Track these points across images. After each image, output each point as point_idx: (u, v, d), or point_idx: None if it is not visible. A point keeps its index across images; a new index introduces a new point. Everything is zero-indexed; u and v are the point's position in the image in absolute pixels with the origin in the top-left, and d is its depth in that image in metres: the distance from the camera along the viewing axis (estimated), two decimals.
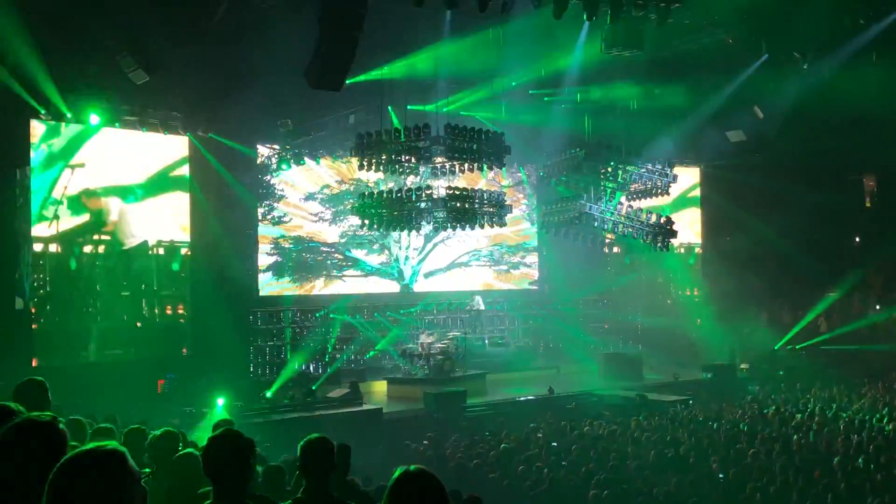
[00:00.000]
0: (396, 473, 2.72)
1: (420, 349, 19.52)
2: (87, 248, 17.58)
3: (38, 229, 16.66)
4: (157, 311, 18.64)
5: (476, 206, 17.32)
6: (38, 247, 16.71)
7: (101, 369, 16.19)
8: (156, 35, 15.34)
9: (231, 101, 17.32)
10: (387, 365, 20.97)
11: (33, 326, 16.31)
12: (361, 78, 18.21)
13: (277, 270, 21.17)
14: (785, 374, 20.88)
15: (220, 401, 15.23)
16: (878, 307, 24.67)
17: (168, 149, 18.58)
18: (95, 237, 17.65)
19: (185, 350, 17.56)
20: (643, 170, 18.92)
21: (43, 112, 16.32)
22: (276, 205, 21.12)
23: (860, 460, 10.80)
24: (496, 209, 17.70)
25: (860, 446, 11.80)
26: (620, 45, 17.07)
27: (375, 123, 17.86)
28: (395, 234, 21.26)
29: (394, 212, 17.26)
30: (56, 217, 16.81)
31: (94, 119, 17.02)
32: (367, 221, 17.62)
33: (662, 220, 19.05)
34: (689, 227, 26.55)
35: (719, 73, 20.52)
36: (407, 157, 16.92)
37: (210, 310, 18.02)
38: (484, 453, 11.94)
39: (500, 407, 17.42)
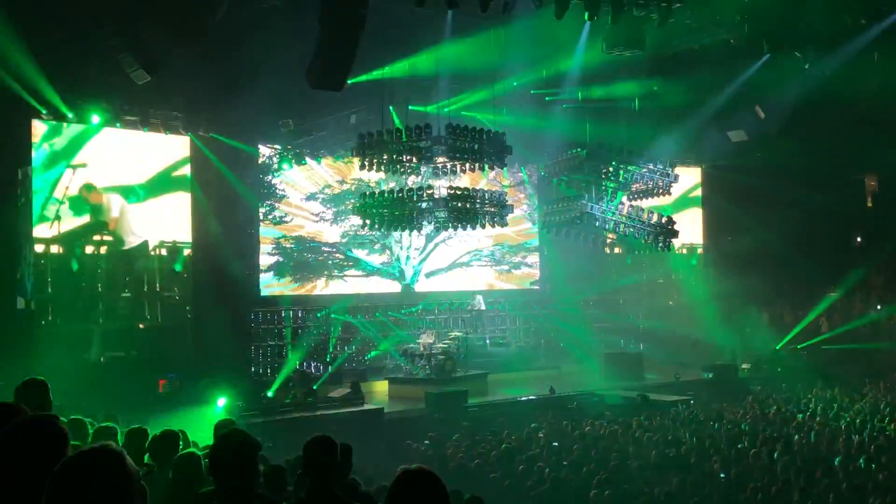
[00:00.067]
0: (398, 473, 2.72)
1: (421, 349, 19.52)
2: (89, 249, 17.58)
3: (40, 230, 16.66)
4: (159, 312, 18.61)
5: (477, 206, 17.31)
6: (39, 248, 16.70)
7: (103, 369, 16.20)
8: (157, 35, 15.33)
9: (232, 101, 17.32)
10: (388, 365, 20.97)
11: (36, 330, 16.28)
12: (363, 78, 18.21)
13: (278, 270, 21.18)
14: (786, 373, 20.86)
15: (222, 400, 15.25)
16: (878, 307, 24.66)
17: (170, 149, 18.58)
18: (97, 238, 17.64)
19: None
20: (644, 170, 18.93)
21: (44, 112, 16.34)
22: (277, 205, 21.13)
23: (861, 460, 10.79)
24: (497, 209, 17.69)
25: (862, 446, 11.78)
26: (622, 44, 17.09)
27: (377, 123, 17.87)
28: (396, 234, 21.26)
29: (395, 212, 17.27)
30: (58, 217, 16.80)
31: (95, 119, 17.03)
32: (368, 221, 17.63)
33: (664, 220, 19.05)
34: (691, 228, 26.54)
35: (720, 72, 20.51)
36: (408, 157, 16.92)
37: (211, 309, 18.02)
38: (485, 453, 11.94)
39: (501, 407, 17.41)
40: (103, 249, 17.75)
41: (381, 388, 19.55)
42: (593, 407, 17.22)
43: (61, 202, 16.90)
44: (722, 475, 10.40)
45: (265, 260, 20.87)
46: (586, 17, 15.04)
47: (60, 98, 16.28)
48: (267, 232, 20.93)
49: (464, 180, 19.40)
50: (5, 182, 15.78)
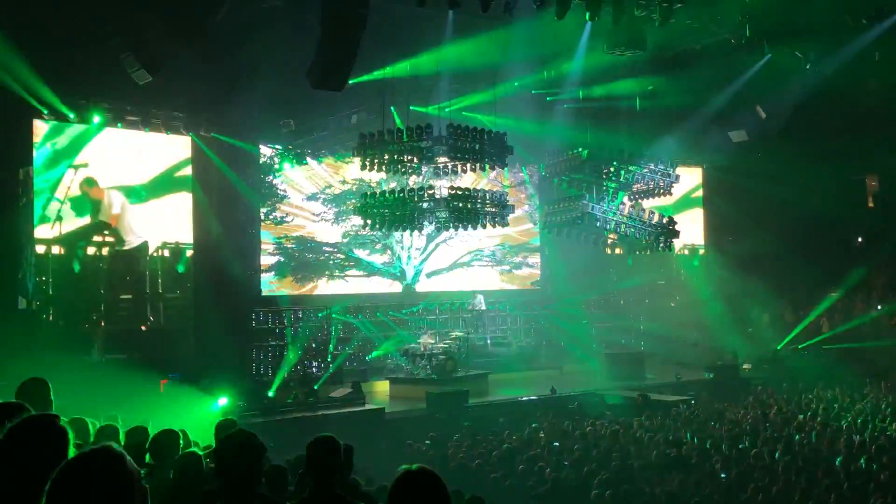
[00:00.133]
0: (399, 473, 2.72)
1: (422, 349, 19.52)
2: (91, 250, 17.55)
3: (42, 230, 16.65)
4: (162, 314, 18.57)
5: (478, 206, 17.32)
6: (41, 248, 16.67)
7: (104, 369, 16.19)
8: (158, 35, 15.34)
9: (233, 100, 17.33)
10: (389, 365, 20.98)
11: (37, 331, 16.26)
12: (364, 78, 18.21)
13: (280, 270, 21.19)
14: (787, 374, 20.84)
15: (223, 400, 15.24)
16: (879, 307, 24.66)
17: (171, 149, 18.60)
18: (98, 238, 17.62)
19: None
20: (645, 170, 18.93)
21: (45, 112, 16.35)
22: (278, 205, 21.14)
23: (863, 461, 10.78)
24: (498, 209, 17.69)
25: (863, 446, 11.77)
26: (623, 45, 17.08)
27: (378, 123, 17.87)
28: (396, 234, 21.27)
29: (396, 212, 17.26)
30: (59, 218, 16.79)
31: (96, 119, 17.04)
32: (369, 221, 17.63)
33: (665, 220, 19.04)
34: (692, 228, 26.56)
35: (721, 72, 20.50)
36: (409, 157, 16.93)
37: (212, 309, 18.02)
38: (486, 453, 11.94)
39: (502, 407, 17.41)
40: (105, 251, 17.74)
41: (382, 388, 19.55)
42: (594, 407, 17.22)
43: (63, 202, 16.90)
44: (723, 475, 10.40)
45: (266, 260, 20.88)
46: (587, 17, 15.04)
47: (61, 98, 16.29)
48: (268, 232, 20.93)
49: (465, 180, 19.40)
50: (6, 182, 15.79)
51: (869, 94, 19.72)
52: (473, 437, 13.56)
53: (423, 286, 23.38)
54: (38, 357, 14.10)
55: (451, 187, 17.23)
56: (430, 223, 17.74)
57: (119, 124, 17.64)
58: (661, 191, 19.44)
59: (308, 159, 20.79)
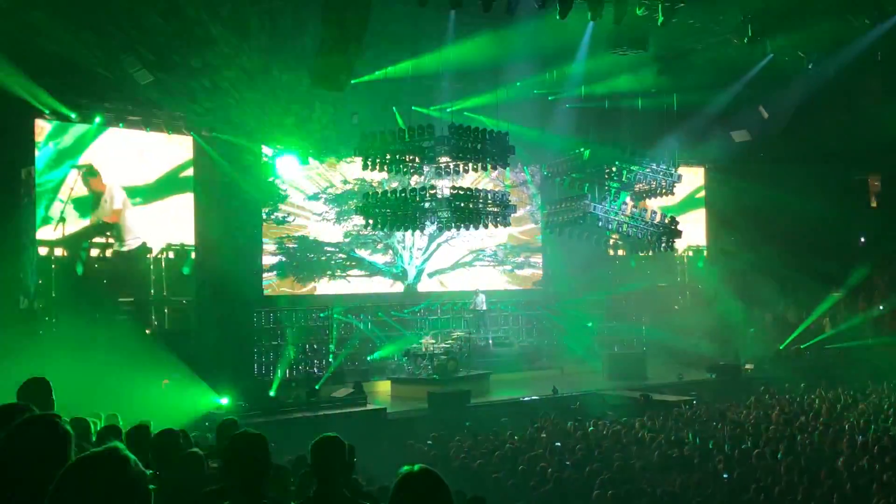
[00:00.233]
0: (400, 474, 2.72)
1: (424, 349, 19.52)
2: (94, 252, 17.51)
3: (45, 232, 16.62)
4: (166, 317, 18.51)
5: (480, 205, 17.31)
6: (44, 250, 16.63)
7: (106, 370, 16.18)
8: (160, 35, 15.37)
9: (235, 100, 17.33)
10: (391, 365, 20.97)
11: (40, 332, 16.24)
12: (366, 78, 18.23)
13: (281, 270, 21.19)
14: (790, 373, 20.83)
15: (224, 400, 15.24)
16: (881, 307, 24.64)
17: (175, 151, 18.59)
18: (101, 240, 17.57)
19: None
20: (647, 169, 18.91)
21: (47, 112, 16.35)
22: (280, 204, 21.13)
23: (865, 461, 10.76)
24: (500, 209, 17.69)
25: (865, 447, 11.76)
26: (625, 45, 17.11)
27: (379, 123, 17.87)
28: (398, 234, 21.26)
29: (398, 211, 17.26)
30: (62, 219, 16.75)
31: (98, 119, 17.05)
32: (371, 221, 17.63)
33: (667, 219, 19.03)
34: (696, 229, 26.56)
35: (724, 72, 20.50)
36: (411, 157, 16.93)
37: (214, 309, 18.01)
38: (488, 453, 11.93)
39: (503, 407, 17.39)
40: (109, 252, 17.71)
41: (383, 388, 19.55)
42: (596, 407, 17.20)
43: (66, 203, 16.87)
44: (725, 475, 10.38)
45: (268, 260, 20.88)
46: (589, 17, 15.05)
47: (63, 98, 16.31)
48: (270, 231, 20.93)
49: (466, 180, 19.40)
50: (8, 182, 15.80)
51: (871, 94, 19.72)
52: (475, 437, 13.55)
53: (424, 286, 23.38)
54: (41, 357, 14.11)
55: (453, 187, 17.22)
56: (432, 223, 17.73)
57: (120, 124, 17.65)
58: (663, 190, 19.43)
59: (310, 159, 20.77)
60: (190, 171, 18.76)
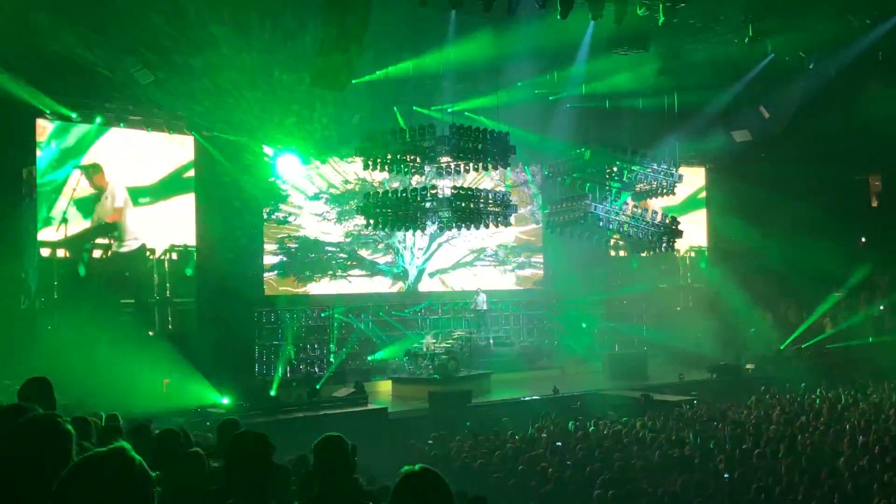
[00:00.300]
0: (402, 474, 2.72)
1: (425, 349, 19.52)
2: (97, 253, 17.49)
3: (47, 233, 16.58)
4: (170, 319, 18.48)
5: (481, 205, 17.31)
6: (46, 251, 16.59)
7: (107, 370, 16.18)
8: (161, 35, 15.37)
9: (236, 100, 17.34)
10: (391, 364, 20.98)
11: (42, 330, 16.23)
12: (366, 78, 18.23)
13: (282, 270, 21.19)
14: (790, 373, 20.82)
15: (225, 400, 15.25)
16: (882, 307, 24.63)
17: (177, 152, 18.59)
18: (104, 241, 17.54)
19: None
20: (648, 169, 18.90)
21: (48, 112, 16.36)
22: (280, 204, 21.12)
23: (866, 461, 10.76)
24: (501, 209, 17.69)
25: (866, 447, 11.75)
26: (626, 44, 17.09)
27: (380, 123, 17.87)
28: (399, 234, 21.25)
29: (399, 211, 17.26)
30: (65, 220, 16.71)
31: (98, 119, 17.06)
32: (372, 221, 17.62)
33: (667, 219, 19.02)
34: (698, 229, 26.56)
35: (724, 72, 20.49)
36: (412, 157, 16.93)
37: (215, 309, 18.01)
38: (488, 453, 11.93)
39: (504, 407, 17.40)
40: (111, 254, 17.68)
41: (384, 387, 19.56)
42: (597, 407, 17.20)
43: (69, 204, 16.84)
44: (726, 475, 10.38)
45: (269, 259, 20.88)
46: (590, 17, 15.04)
47: (64, 98, 16.31)
48: (271, 231, 20.93)
49: (466, 179, 19.39)
50: (10, 182, 15.81)
51: (872, 94, 19.71)
52: (476, 437, 13.55)
53: (425, 286, 23.38)
54: (43, 357, 14.13)
55: (454, 187, 17.22)
56: (433, 223, 17.73)
57: (121, 124, 17.65)
58: (664, 190, 19.41)
59: (311, 159, 20.78)
60: (191, 173, 18.75)
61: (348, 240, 22.11)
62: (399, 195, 17.14)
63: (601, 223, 18.31)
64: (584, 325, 23.95)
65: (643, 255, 21.88)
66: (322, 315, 21.24)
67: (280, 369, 18.98)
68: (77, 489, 2.13)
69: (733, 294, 24.16)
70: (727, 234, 26.34)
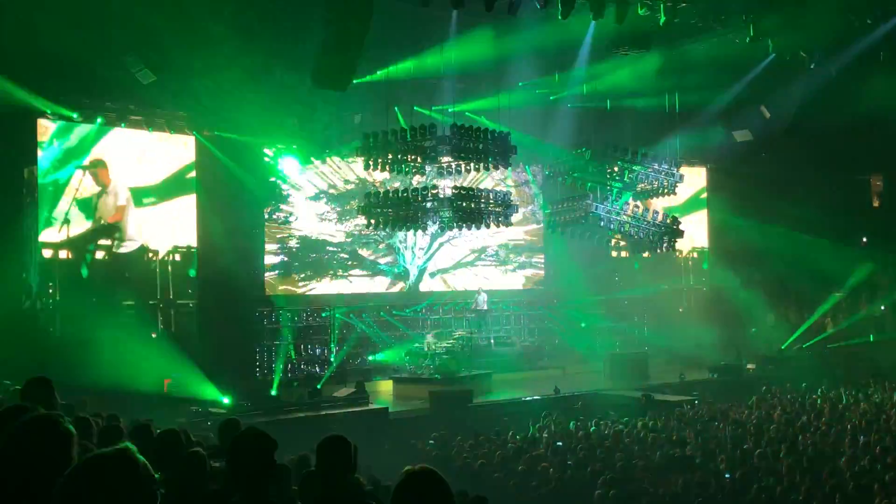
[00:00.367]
0: (402, 474, 2.72)
1: (426, 349, 19.52)
2: (99, 255, 17.47)
3: (50, 234, 16.54)
4: (173, 321, 18.48)
5: (482, 205, 17.31)
6: (48, 252, 16.55)
7: (108, 370, 16.18)
8: (162, 35, 15.38)
9: (237, 100, 17.34)
10: (392, 364, 20.97)
11: (44, 331, 16.22)
12: (368, 78, 18.23)
13: (283, 270, 21.19)
14: (791, 373, 20.81)
15: (225, 400, 15.24)
16: (883, 307, 24.62)
17: (177, 151, 18.58)
18: (106, 242, 17.52)
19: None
20: (649, 169, 18.90)
21: (49, 112, 16.36)
22: (281, 204, 21.13)
23: (867, 461, 10.76)
24: (502, 209, 17.69)
25: (867, 447, 11.75)
26: (627, 44, 17.09)
27: (381, 123, 17.87)
28: (400, 234, 21.25)
29: (400, 211, 17.26)
30: (67, 221, 16.67)
31: (99, 119, 17.06)
32: (372, 221, 17.63)
33: (668, 219, 19.01)
34: (700, 231, 26.54)
35: (726, 72, 20.49)
36: (413, 157, 16.93)
37: (216, 309, 18.00)
38: (489, 453, 11.93)
39: (505, 407, 17.39)
40: (113, 254, 17.67)
41: (385, 387, 19.55)
42: (598, 407, 17.18)
43: (71, 204, 16.81)
44: (727, 475, 10.38)
45: (270, 259, 20.88)
46: (591, 16, 15.05)
47: (65, 98, 16.31)
48: (272, 231, 20.93)
49: (467, 179, 19.39)
50: (11, 182, 15.81)
51: (873, 94, 19.69)
52: (477, 437, 13.55)
53: (426, 285, 23.38)
54: (44, 357, 14.14)
55: (455, 187, 17.22)
56: (434, 223, 17.73)
57: (122, 124, 17.65)
58: (665, 190, 19.41)
59: (312, 159, 20.78)
60: (193, 174, 18.74)
61: (349, 240, 22.11)
62: (400, 195, 17.14)
63: (602, 223, 18.31)
64: (584, 325, 23.94)
65: (644, 255, 21.88)
66: (323, 315, 21.24)
67: (281, 369, 18.99)
68: (82, 490, 2.13)
69: (734, 294, 24.15)
70: (728, 234, 26.33)
